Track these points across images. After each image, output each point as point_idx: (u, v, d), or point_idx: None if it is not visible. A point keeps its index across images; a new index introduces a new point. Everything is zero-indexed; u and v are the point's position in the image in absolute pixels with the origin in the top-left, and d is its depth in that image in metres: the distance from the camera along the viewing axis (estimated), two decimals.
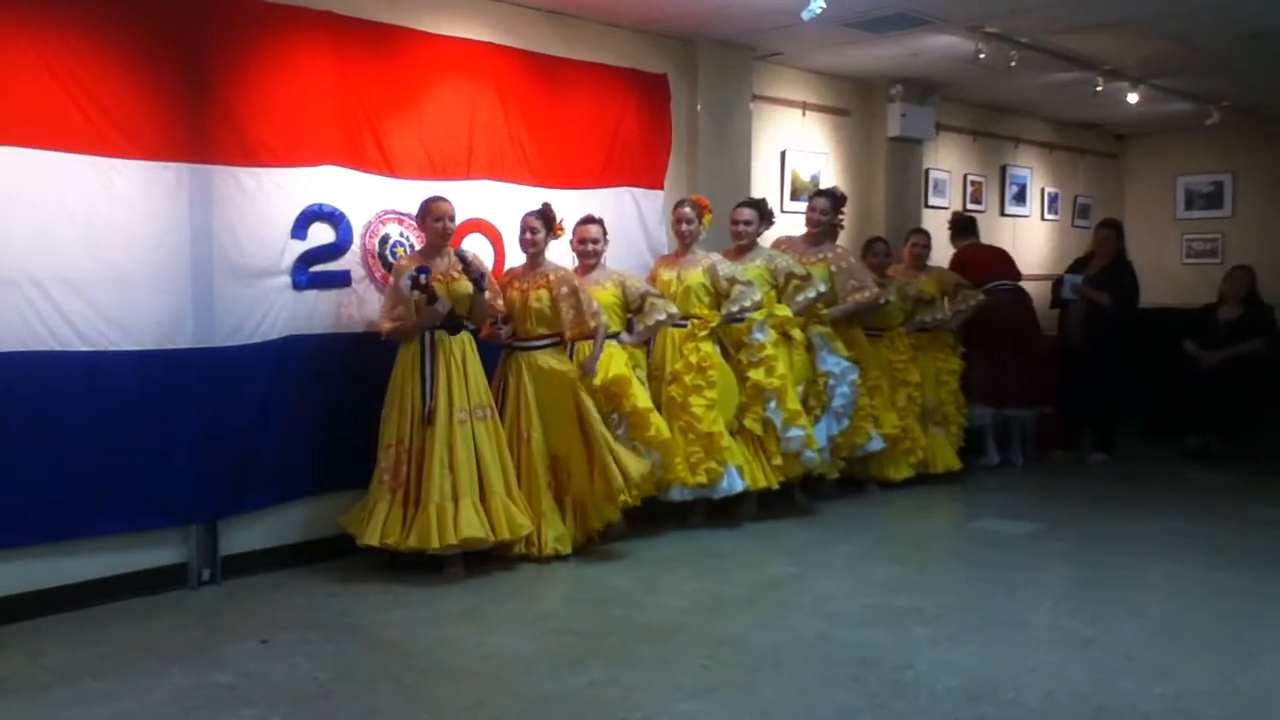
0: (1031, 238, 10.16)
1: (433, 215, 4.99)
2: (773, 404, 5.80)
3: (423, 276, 4.79)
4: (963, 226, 8.03)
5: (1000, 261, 7.86)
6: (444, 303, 4.88)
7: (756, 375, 5.79)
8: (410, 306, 4.89)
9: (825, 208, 6.41)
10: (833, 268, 6.35)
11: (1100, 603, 4.60)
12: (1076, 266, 7.97)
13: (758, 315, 5.87)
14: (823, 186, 7.17)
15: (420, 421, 4.88)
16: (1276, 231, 10.00)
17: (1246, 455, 7.67)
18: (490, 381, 5.20)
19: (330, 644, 4.07)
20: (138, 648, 4.03)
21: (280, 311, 4.92)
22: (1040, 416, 7.60)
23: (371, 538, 4.80)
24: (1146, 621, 4.33)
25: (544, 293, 5.27)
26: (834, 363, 6.13)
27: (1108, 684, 3.66)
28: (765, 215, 6.28)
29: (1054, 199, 10.44)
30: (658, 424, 5.41)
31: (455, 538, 4.75)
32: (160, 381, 4.56)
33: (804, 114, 7.82)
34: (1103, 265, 7.69)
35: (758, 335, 5.84)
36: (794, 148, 7.74)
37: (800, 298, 6.07)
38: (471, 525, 4.78)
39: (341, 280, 5.14)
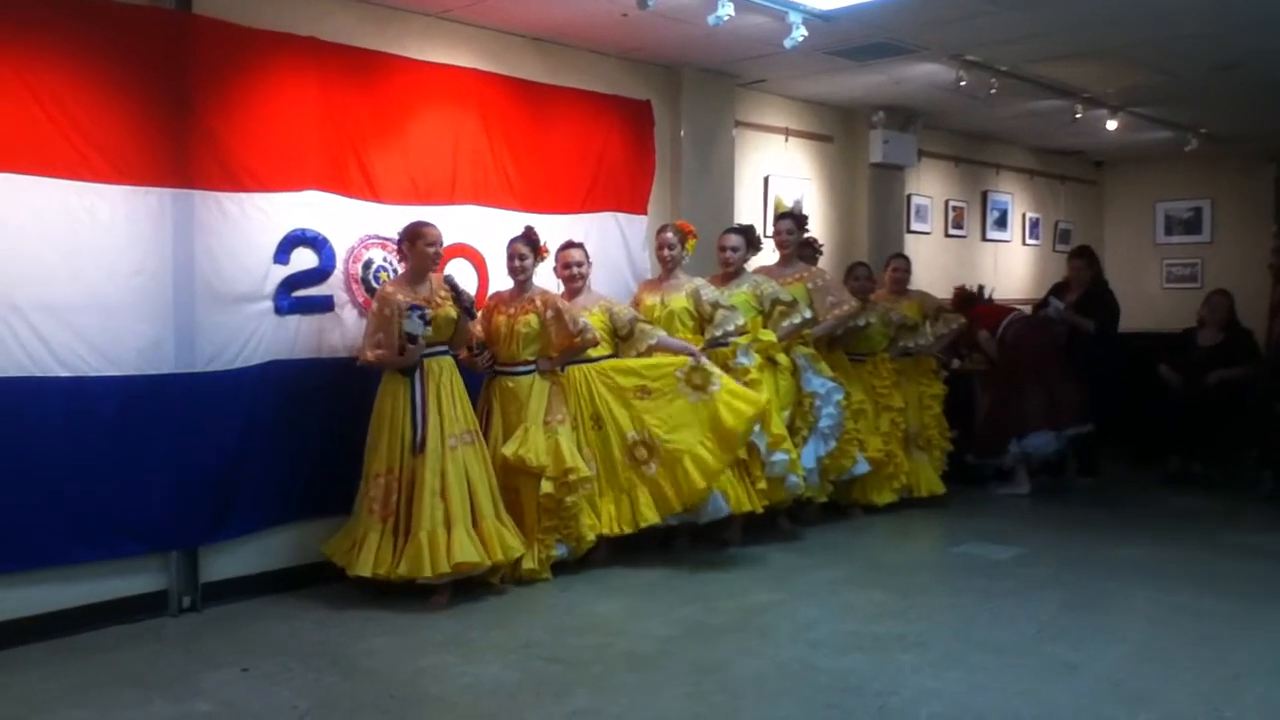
0: (1013, 262, 10.23)
1: (424, 240, 4.96)
2: (757, 428, 5.79)
3: (427, 313, 4.79)
4: (966, 301, 7.98)
5: (1005, 309, 7.99)
6: (420, 346, 4.85)
7: None
8: (393, 336, 4.85)
9: (790, 228, 6.42)
10: (810, 285, 6.37)
11: (1084, 628, 4.60)
12: (1054, 293, 8.02)
13: (742, 340, 5.88)
14: (791, 209, 7.18)
15: (410, 450, 4.84)
16: (1255, 257, 10.07)
17: (1229, 480, 7.70)
18: (475, 407, 5.20)
19: (311, 672, 4.03)
20: (117, 676, 3.98)
21: (262, 337, 4.90)
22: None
23: (364, 569, 4.75)
24: (1130, 647, 4.34)
25: (532, 317, 5.28)
26: (819, 384, 6.15)
27: (1092, 710, 3.66)
28: (752, 242, 6.31)
29: (1035, 224, 10.53)
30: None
31: (448, 565, 4.71)
32: (141, 407, 4.53)
33: (787, 140, 7.87)
34: (1082, 293, 7.74)
35: (742, 359, 5.85)
36: (777, 173, 7.78)
37: (786, 323, 6.08)
38: (465, 550, 4.74)
39: (324, 305, 5.13)
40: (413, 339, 4.81)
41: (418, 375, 4.89)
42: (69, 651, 4.26)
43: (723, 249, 6.13)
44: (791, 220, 6.54)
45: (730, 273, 6.15)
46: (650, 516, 5.44)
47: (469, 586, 4.94)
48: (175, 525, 4.66)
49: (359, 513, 4.91)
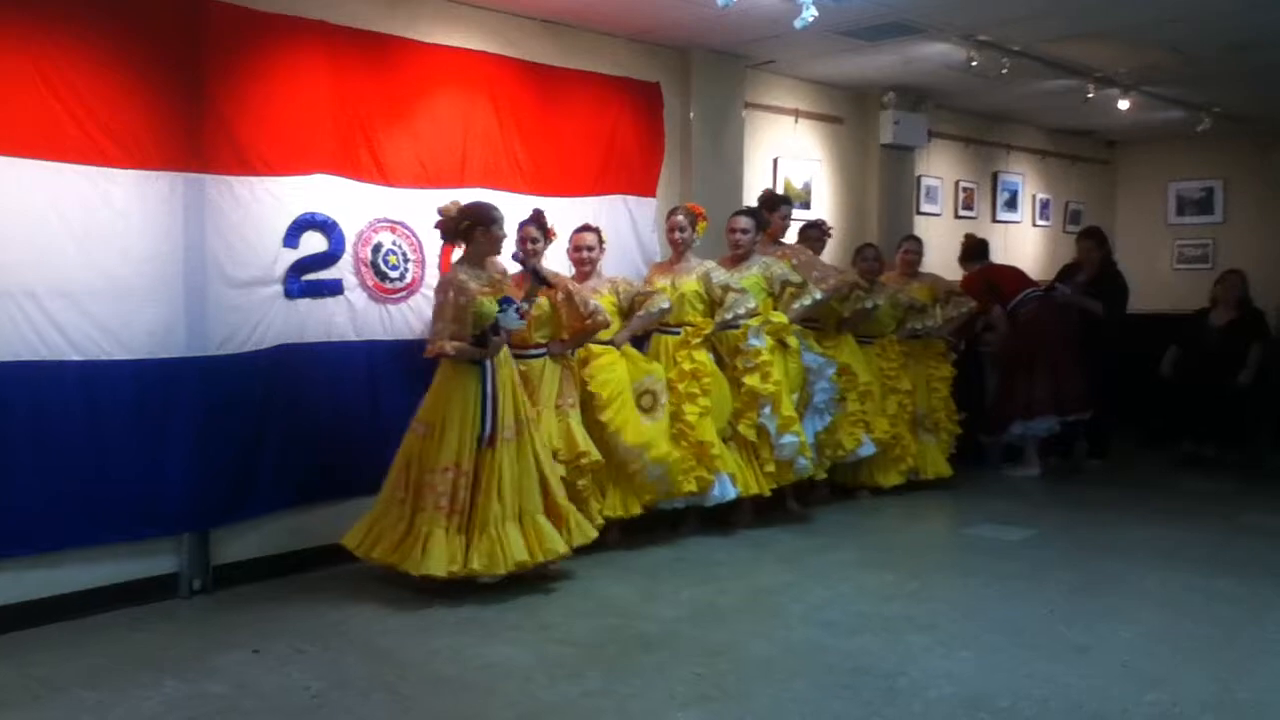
0: (1023, 244, 10.18)
1: (499, 225, 4.89)
2: (767, 410, 5.80)
3: (522, 307, 4.80)
4: (978, 250, 7.97)
5: (1023, 276, 7.92)
6: (504, 339, 4.82)
7: (752, 381, 5.80)
8: (467, 326, 4.74)
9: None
10: (793, 263, 6.33)
11: (1094, 609, 4.60)
12: (1064, 274, 7.98)
13: (753, 321, 5.88)
14: (783, 198, 7.03)
15: (480, 444, 4.74)
16: (1267, 237, 10.04)
17: (1241, 462, 7.67)
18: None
19: (323, 653, 4.05)
20: (129, 658, 4.01)
21: (273, 321, 4.91)
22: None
23: (435, 568, 4.54)
24: (1141, 629, 4.34)
25: (544, 300, 5.28)
26: (810, 359, 6.16)
27: (1103, 691, 3.66)
28: (762, 224, 6.28)
29: (1046, 205, 10.47)
30: (655, 441, 5.44)
31: (512, 563, 4.66)
32: (153, 391, 4.55)
33: (797, 122, 7.83)
34: (1092, 274, 7.70)
35: (753, 341, 5.85)
36: (787, 155, 7.75)
37: (796, 305, 6.09)
38: (519, 550, 4.68)
39: (334, 289, 5.14)
40: (495, 330, 4.74)
41: (489, 366, 4.80)
42: (83, 633, 4.30)
43: (733, 231, 6.11)
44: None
45: (741, 255, 6.13)
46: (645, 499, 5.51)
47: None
48: (188, 508, 4.68)
49: (425, 508, 4.67)
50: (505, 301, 4.76)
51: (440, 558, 4.57)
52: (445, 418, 4.73)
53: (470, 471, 4.70)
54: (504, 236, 4.97)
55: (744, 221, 6.12)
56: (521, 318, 4.74)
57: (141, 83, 4.51)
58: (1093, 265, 7.76)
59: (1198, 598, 4.74)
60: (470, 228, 4.86)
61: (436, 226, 5.00)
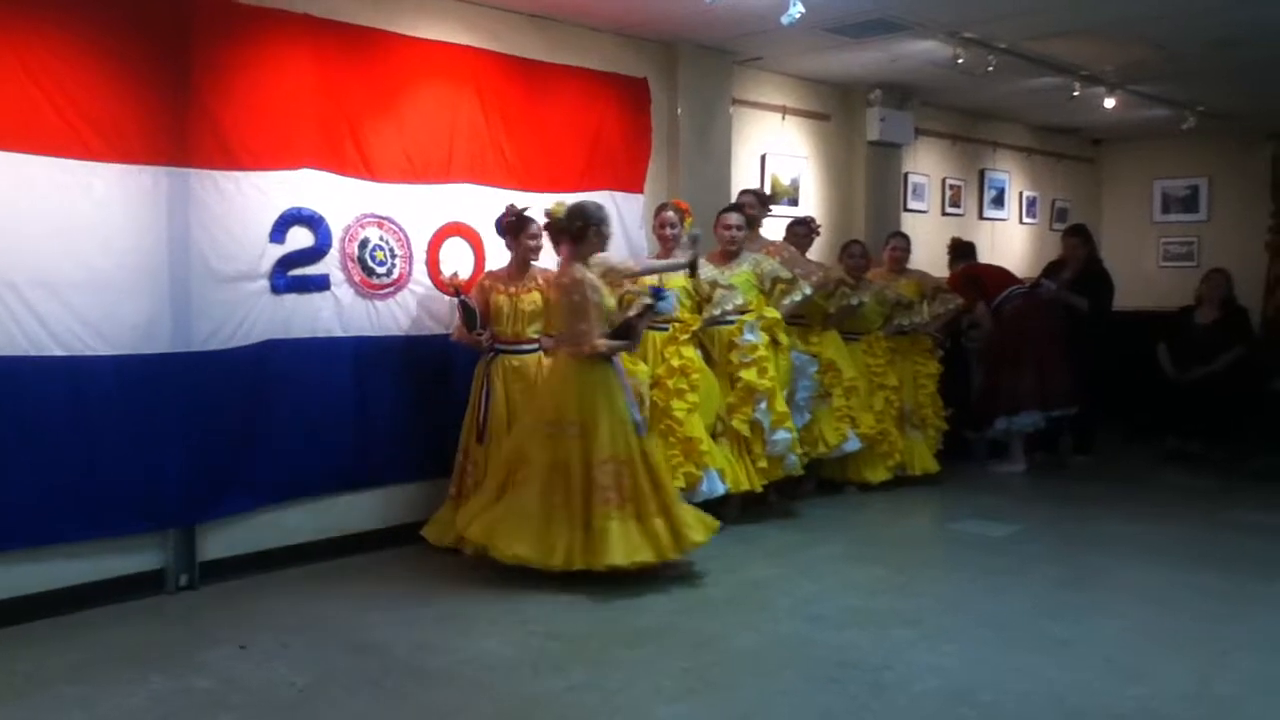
0: (1010, 241, 10.22)
1: (609, 223, 5.00)
2: (763, 405, 5.83)
3: (665, 291, 5.02)
4: (964, 250, 8.05)
5: (1008, 274, 7.98)
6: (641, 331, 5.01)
7: (748, 376, 5.81)
8: (601, 323, 4.81)
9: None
10: (779, 259, 6.34)
11: (1079, 604, 4.63)
12: (1049, 271, 8.02)
13: (749, 316, 5.90)
14: (776, 194, 7.11)
15: (631, 434, 4.81)
16: (1251, 235, 10.10)
17: (1226, 458, 7.72)
18: (471, 386, 5.25)
19: (309, 649, 4.05)
20: (114, 654, 4.00)
21: (258, 315, 4.89)
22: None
23: (618, 558, 4.63)
24: (1124, 623, 4.36)
25: (536, 295, 5.31)
26: (794, 356, 6.19)
27: (1085, 685, 3.68)
28: (752, 220, 6.29)
29: (1032, 203, 10.51)
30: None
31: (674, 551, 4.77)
32: (137, 386, 4.53)
33: (784, 118, 7.84)
34: (1077, 271, 7.75)
35: (749, 336, 5.87)
36: (774, 151, 7.76)
37: (786, 301, 6.11)
38: (668, 539, 4.76)
39: (320, 284, 5.12)
40: (631, 327, 4.86)
41: (618, 359, 4.91)
42: (68, 629, 4.28)
43: (728, 227, 6.10)
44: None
45: (732, 251, 6.13)
46: None
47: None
48: (174, 503, 4.66)
49: (596, 503, 4.69)
50: (657, 291, 4.91)
51: (621, 548, 4.63)
52: (595, 412, 4.76)
53: (630, 460, 4.77)
54: (533, 245, 5.24)
55: (735, 218, 6.11)
56: (671, 305, 5.06)
57: (126, 76, 4.49)
58: (1078, 262, 7.80)
59: (1180, 592, 4.78)
60: (584, 228, 4.89)
61: (545, 228, 5.08)
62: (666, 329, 5.77)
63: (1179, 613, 4.50)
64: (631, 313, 4.97)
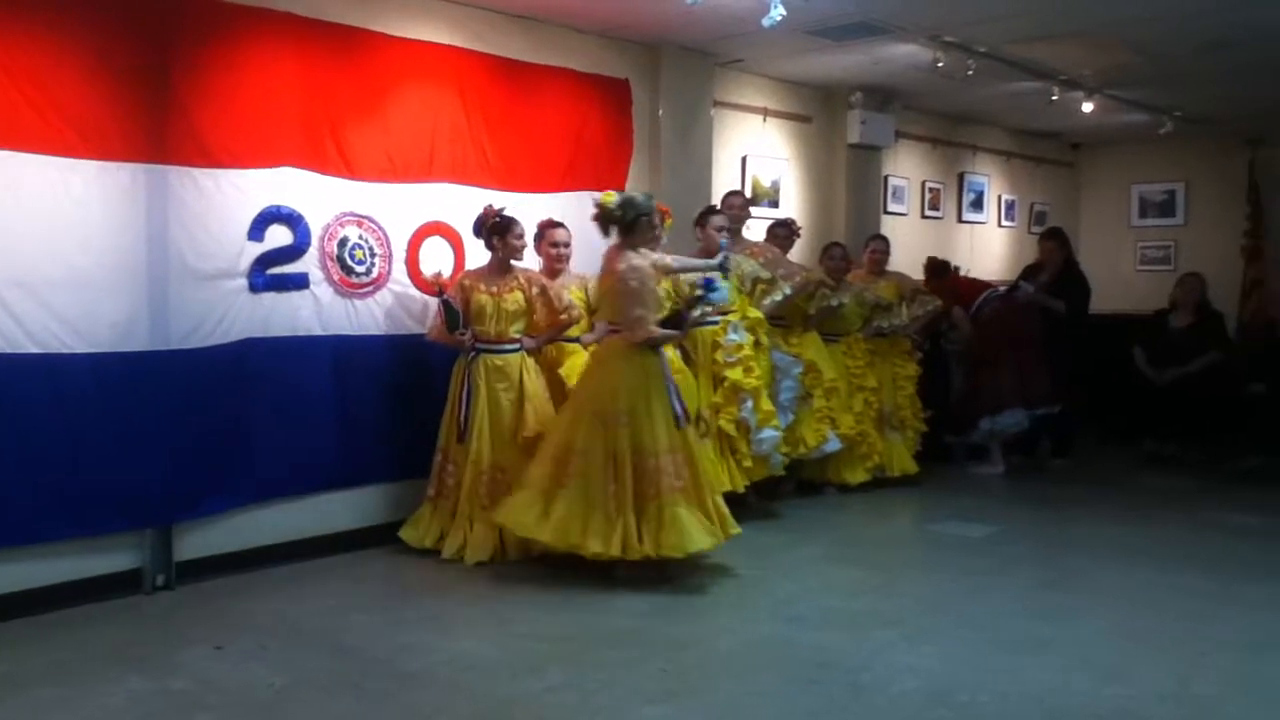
0: (989, 244, 10.28)
1: (658, 214, 5.06)
2: (749, 404, 5.84)
3: (716, 281, 5.07)
4: (939, 269, 8.08)
5: (982, 283, 8.06)
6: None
7: (734, 375, 5.82)
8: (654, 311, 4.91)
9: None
10: (760, 260, 6.37)
11: (1057, 605, 4.66)
12: (1027, 274, 8.07)
13: (732, 316, 5.92)
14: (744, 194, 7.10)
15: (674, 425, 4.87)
16: (1228, 240, 10.19)
17: (1203, 460, 7.78)
18: (449, 385, 5.24)
19: (287, 649, 4.02)
20: (91, 654, 3.96)
21: (237, 314, 4.87)
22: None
23: (702, 543, 4.77)
24: (1103, 624, 4.39)
25: (519, 294, 5.31)
26: (778, 357, 6.22)
27: (1063, 685, 3.70)
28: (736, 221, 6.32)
29: (1011, 206, 10.57)
30: None
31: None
32: (115, 384, 4.49)
33: (765, 120, 7.86)
34: (1054, 274, 7.80)
35: (734, 336, 5.88)
36: (755, 153, 7.77)
37: (767, 301, 6.14)
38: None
39: (299, 283, 5.10)
40: (683, 318, 4.98)
41: (663, 351, 4.99)
42: (44, 629, 4.24)
43: (718, 229, 6.12)
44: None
45: (713, 251, 6.13)
46: None
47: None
48: (151, 502, 4.63)
49: (661, 491, 4.74)
50: (708, 282, 4.99)
51: (699, 533, 4.74)
52: (647, 402, 4.82)
53: (680, 449, 4.85)
54: (519, 245, 5.32)
55: (718, 220, 6.13)
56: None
57: (104, 72, 4.45)
58: (1055, 265, 7.86)
59: (1159, 593, 4.81)
60: (636, 218, 4.92)
61: (594, 219, 5.03)
62: (717, 322, 5.77)
63: (1157, 613, 4.53)
64: (683, 305, 5.10)
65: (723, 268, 5.18)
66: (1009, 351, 7.37)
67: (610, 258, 5.04)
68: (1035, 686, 3.69)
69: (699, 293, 5.02)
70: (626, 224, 4.94)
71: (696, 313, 5.02)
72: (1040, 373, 7.33)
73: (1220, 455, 7.72)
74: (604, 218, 4.99)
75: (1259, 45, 6.82)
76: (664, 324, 4.93)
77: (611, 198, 5.00)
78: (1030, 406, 7.36)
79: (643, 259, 4.88)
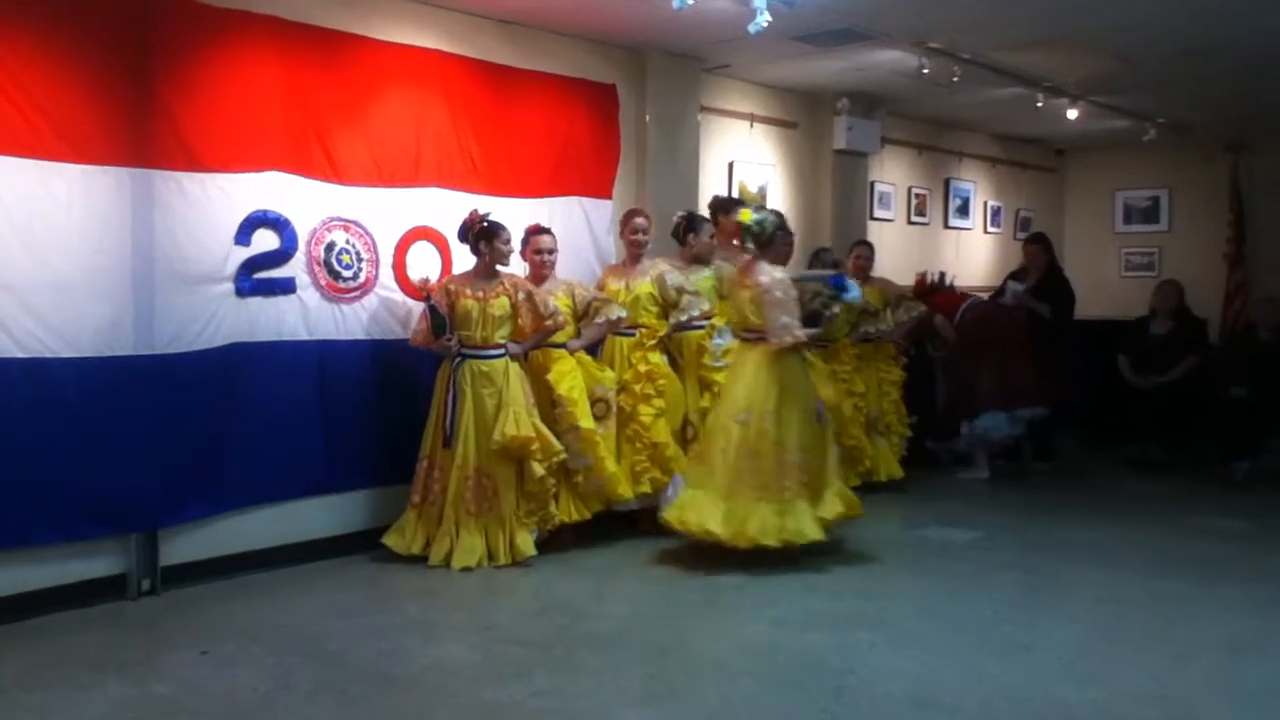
0: (974, 250, 10.32)
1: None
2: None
3: (847, 281, 5.51)
4: (936, 288, 8.08)
5: (963, 294, 8.06)
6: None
7: (722, 379, 5.85)
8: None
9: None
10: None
11: (1039, 608, 4.68)
12: (1012, 279, 8.11)
13: (718, 320, 5.94)
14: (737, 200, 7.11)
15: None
16: (1211, 246, 10.25)
17: (1183, 465, 7.83)
18: (433, 392, 5.29)
19: (271, 655, 4.02)
20: (72, 660, 3.95)
21: (223, 319, 4.86)
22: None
23: (814, 534, 5.12)
24: (1083, 627, 4.42)
25: (504, 300, 5.32)
26: None
27: (1044, 689, 3.73)
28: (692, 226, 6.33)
29: (997, 212, 10.62)
30: (605, 454, 5.48)
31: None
32: (100, 389, 4.48)
33: (751, 126, 7.89)
34: (1038, 278, 7.85)
35: (719, 340, 5.92)
36: (741, 159, 7.80)
37: None
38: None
39: (285, 287, 5.10)
40: (818, 316, 5.41)
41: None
42: (25, 635, 4.22)
43: (710, 236, 6.17)
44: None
45: (695, 255, 6.16)
46: (594, 505, 5.56)
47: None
48: (136, 507, 4.62)
49: (790, 485, 5.13)
50: (836, 281, 5.42)
51: (813, 524, 5.14)
52: (790, 400, 5.21)
53: (816, 446, 5.27)
54: (506, 250, 5.38)
55: (711, 227, 6.20)
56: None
57: (89, 77, 4.45)
58: (1038, 270, 7.91)
59: (1139, 596, 4.84)
60: (774, 234, 5.37)
61: (735, 234, 5.52)
62: (704, 326, 5.93)
63: (1137, 616, 4.56)
64: (815, 304, 5.46)
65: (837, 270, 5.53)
66: (988, 351, 7.36)
67: (745, 270, 5.44)
68: (1018, 690, 3.71)
69: (830, 292, 5.45)
70: (765, 240, 5.33)
71: (834, 310, 5.53)
72: (1021, 373, 7.31)
73: (1201, 459, 7.76)
74: (744, 234, 5.39)
75: (1231, 54, 6.89)
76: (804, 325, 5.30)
77: (750, 216, 5.37)
78: (1008, 408, 7.36)
79: (781, 271, 5.31)
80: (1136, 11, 6.01)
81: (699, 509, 5.16)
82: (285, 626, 4.35)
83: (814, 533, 5.13)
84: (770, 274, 5.26)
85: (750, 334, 5.37)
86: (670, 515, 5.29)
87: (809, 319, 5.35)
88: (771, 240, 5.36)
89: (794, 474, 5.15)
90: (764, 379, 5.22)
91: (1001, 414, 7.35)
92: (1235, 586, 4.97)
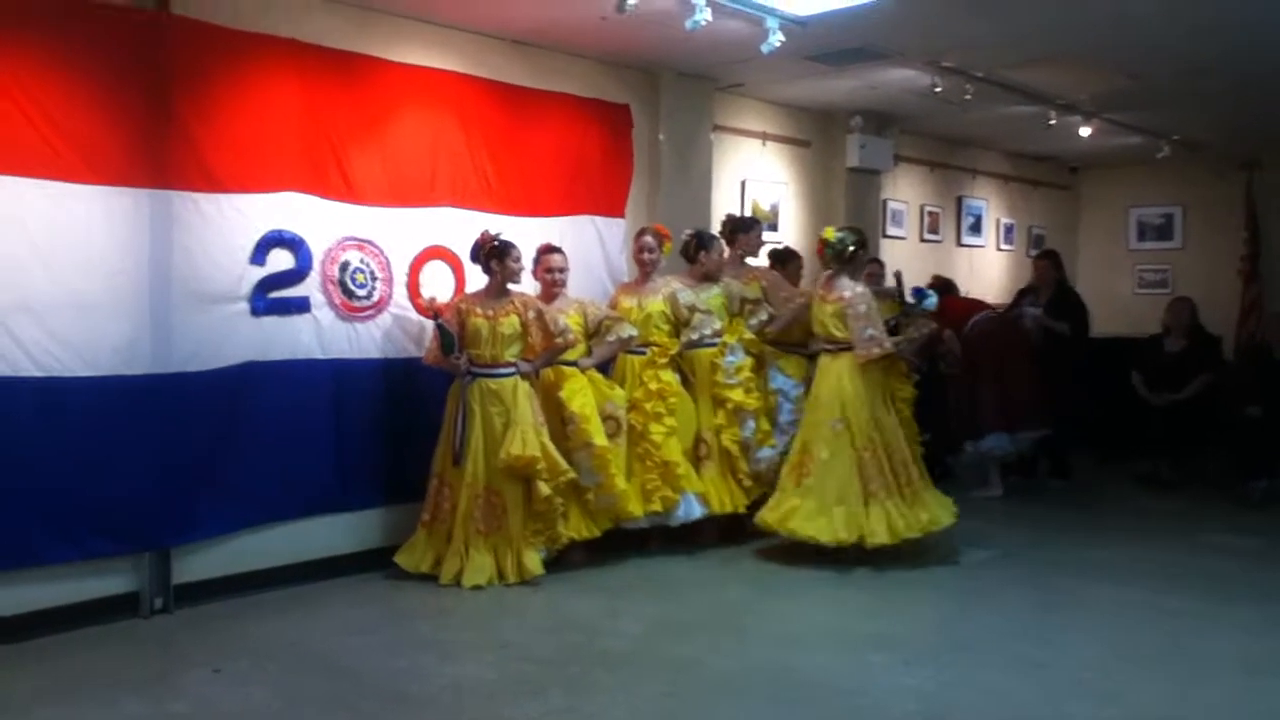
0: (987, 267, 10.31)
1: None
2: (750, 424, 5.91)
3: (926, 291, 5.86)
4: (945, 287, 8.08)
5: (975, 303, 8.05)
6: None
7: (737, 396, 5.89)
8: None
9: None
10: (763, 284, 6.39)
11: (1054, 627, 4.66)
12: (1021, 296, 8.08)
13: (729, 338, 5.97)
14: (752, 219, 7.10)
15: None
16: (1225, 263, 10.22)
17: (1196, 482, 7.79)
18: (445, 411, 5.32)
19: (286, 672, 4.03)
20: (88, 677, 3.97)
21: (239, 338, 4.90)
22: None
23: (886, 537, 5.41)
24: (1099, 645, 4.39)
25: (514, 318, 5.33)
26: (782, 380, 6.24)
27: (1059, 707, 3.71)
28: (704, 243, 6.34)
29: (1009, 230, 10.62)
30: (616, 472, 5.46)
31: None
32: (116, 407, 4.51)
33: (764, 144, 7.91)
34: (1050, 295, 7.84)
35: (731, 358, 5.95)
36: (754, 178, 7.82)
37: (753, 321, 6.18)
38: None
39: (300, 307, 5.13)
40: (901, 323, 5.82)
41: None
42: (40, 653, 4.24)
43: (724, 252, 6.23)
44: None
45: (705, 273, 6.17)
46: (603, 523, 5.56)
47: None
48: (150, 525, 4.64)
49: (877, 490, 5.47)
50: (918, 292, 5.78)
51: (942, 509, 5.64)
52: (882, 408, 5.64)
53: (898, 448, 5.63)
54: (517, 268, 5.44)
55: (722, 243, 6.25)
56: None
57: (108, 99, 4.50)
58: (1049, 286, 7.90)
59: (1152, 613, 4.81)
60: (855, 251, 5.76)
61: (818, 253, 5.85)
62: (715, 344, 5.96)
63: (1153, 635, 4.53)
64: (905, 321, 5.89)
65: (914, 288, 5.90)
66: (991, 372, 7.34)
67: (826, 285, 5.82)
68: (1033, 708, 3.70)
69: (912, 301, 5.82)
70: (847, 256, 5.71)
71: (918, 321, 5.87)
72: (1026, 394, 7.28)
73: (1216, 477, 7.72)
74: (827, 250, 5.76)
75: (1235, 72, 6.89)
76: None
77: (833, 233, 5.76)
78: (1013, 429, 7.34)
79: (862, 286, 5.71)
80: (1139, 30, 6.01)
81: (805, 517, 5.44)
82: (299, 644, 4.37)
83: (947, 517, 5.58)
84: (853, 288, 5.65)
85: (833, 345, 5.70)
86: (771, 519, 5.57)
87: (892, 329, 5.73)
88: (853, 257, 5.73)
89: (906, 471, 5.56)
90: (855, 387, 5.56)
91: (1005, 435, 7.34)
92: (1250, 605, 4.93)
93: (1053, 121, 8.15)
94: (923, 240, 9.48)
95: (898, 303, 6.05)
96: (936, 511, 5.62)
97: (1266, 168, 10.10)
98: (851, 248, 5.72)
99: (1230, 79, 7.11)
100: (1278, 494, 7.32)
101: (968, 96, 7.21)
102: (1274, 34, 6.04)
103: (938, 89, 7.05)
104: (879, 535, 5.39)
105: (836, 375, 5.62)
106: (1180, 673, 4.07)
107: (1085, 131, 8.47)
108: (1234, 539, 6.29)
